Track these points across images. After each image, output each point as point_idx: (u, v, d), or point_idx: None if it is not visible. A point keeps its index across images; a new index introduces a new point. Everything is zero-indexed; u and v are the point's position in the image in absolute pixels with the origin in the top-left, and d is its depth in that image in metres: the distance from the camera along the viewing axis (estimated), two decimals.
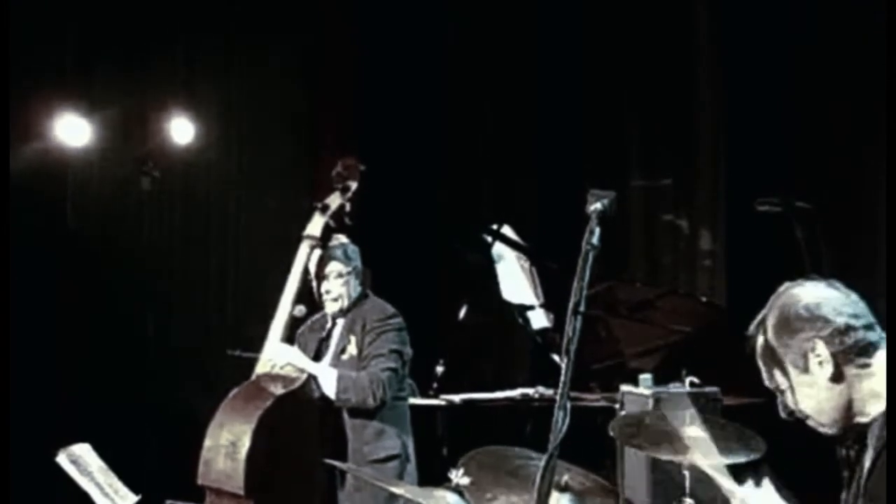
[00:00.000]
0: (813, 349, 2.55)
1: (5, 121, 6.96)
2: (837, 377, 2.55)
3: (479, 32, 8.63)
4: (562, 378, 2.71)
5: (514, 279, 6.94)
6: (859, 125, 7.02)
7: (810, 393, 2.58)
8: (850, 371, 2.55)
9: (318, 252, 5.16)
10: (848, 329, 2.55)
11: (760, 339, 2.65)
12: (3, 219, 6.94)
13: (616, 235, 7.82)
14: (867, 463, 2.58)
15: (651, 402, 5.59)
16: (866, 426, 2.60)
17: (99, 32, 7.65)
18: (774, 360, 2.61)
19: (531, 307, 6.90)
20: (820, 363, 2.56)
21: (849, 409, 2.58)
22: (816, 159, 7.24)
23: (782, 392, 2.65)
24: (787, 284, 2.67)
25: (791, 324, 2.57)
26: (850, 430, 2.63)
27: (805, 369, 2.57)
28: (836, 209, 6.72)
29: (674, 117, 8.15)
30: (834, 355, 2.54)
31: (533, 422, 6.11)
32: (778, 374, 2.62)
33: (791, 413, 2.66)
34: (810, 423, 2.65)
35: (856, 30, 6.94)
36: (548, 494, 2.76)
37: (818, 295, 2.61)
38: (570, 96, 8.42)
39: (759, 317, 2.67)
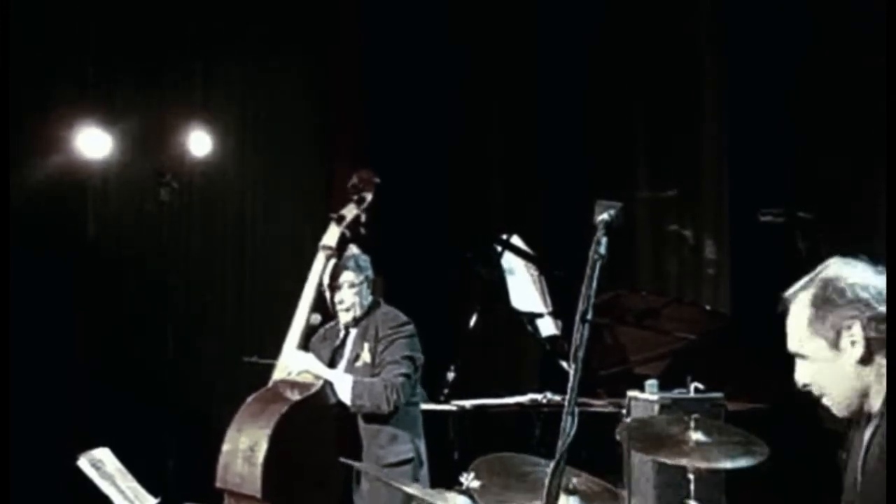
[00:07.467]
0: (848, 328, 2.50)
1: (6, 129, 6.99)
2: (866, 360, 2.50)
3: (487, 45, 8.67)
4: (570, 384, 2.75)
5: (524, 288, 6.97)
6: (860, 136, 7.04)
7: (833, 368, 2.53)
8: (879, 359, 2.50)
9: (333, 262, 5.20)
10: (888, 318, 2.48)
11: (797, 305, 2.57)
12: (4, 224, 6.99)
13: (622, 245, 7.87)
14: (864, 445, 2.56)
15: (657, 407, 5.65)
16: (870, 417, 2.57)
17: (119, 46, 7.68)
18: (806, 327, 2.55)
19: (540, 315, 6.96)
20: (852, 343, 2.51)
21: (865, 396, 2.54)
22: (818, 170, 7.25)
23: (803, 358, 2.57)
24: (836, 259, 2.59)
25: (833, 299, 2.51)
26: (861, 416, 2.58)
27: (834, 345, 2.52)
28: (837, 219, 6.77)
29: (679, 130, 8.17)
30: (868, 339, 2.49)
31: (542, 427, 6.15)
32: (805, 341, 2.55)
33: (806, 385, 2.60)
34: (825, 400, 2.59)
35: (856, 43, 6.96)
36: (556, 498, 2.80)
37: (866, 278, 2.55)
38: (578, 109, 8.47)
39: (801, 283, 2.59)
